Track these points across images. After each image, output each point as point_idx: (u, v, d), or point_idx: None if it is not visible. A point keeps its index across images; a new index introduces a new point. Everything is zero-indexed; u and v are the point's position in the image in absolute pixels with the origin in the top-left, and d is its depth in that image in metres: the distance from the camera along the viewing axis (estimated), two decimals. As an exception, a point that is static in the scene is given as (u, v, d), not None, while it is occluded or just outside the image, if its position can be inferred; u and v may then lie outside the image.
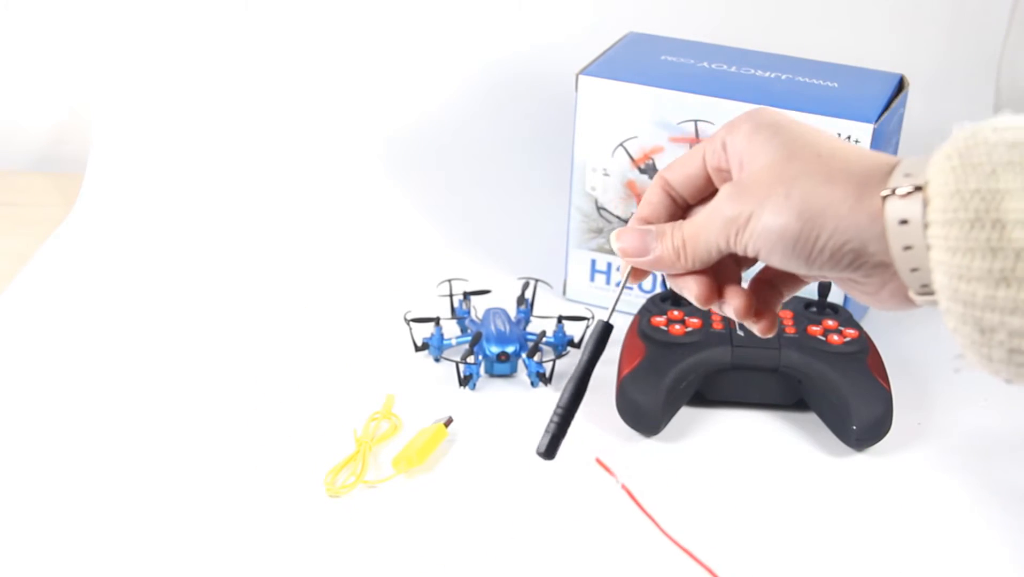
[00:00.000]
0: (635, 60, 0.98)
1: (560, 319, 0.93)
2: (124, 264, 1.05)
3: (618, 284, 0.55)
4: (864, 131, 0.88)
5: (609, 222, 0.98)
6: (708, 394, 0.87)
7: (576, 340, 0.93)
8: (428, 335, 0.93)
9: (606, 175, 0.97)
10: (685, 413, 0.86)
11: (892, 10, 1.21)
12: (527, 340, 0.91)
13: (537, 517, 0.76)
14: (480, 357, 0.89)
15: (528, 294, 0.97)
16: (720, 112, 0.91)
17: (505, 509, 0.77)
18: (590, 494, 0.78)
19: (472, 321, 0.94)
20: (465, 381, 0.89)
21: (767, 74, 0.96)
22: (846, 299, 0.94)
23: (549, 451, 0.60)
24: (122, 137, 1.19)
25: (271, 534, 0.74)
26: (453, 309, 0.96)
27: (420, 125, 1.22)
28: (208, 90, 1.21)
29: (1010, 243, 0.42)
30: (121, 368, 0.90)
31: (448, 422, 0.83)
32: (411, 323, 0.93)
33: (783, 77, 0.95)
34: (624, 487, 0.78)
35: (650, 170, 0.95)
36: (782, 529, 0.76)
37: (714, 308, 0.55)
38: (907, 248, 0.46)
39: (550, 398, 0.88)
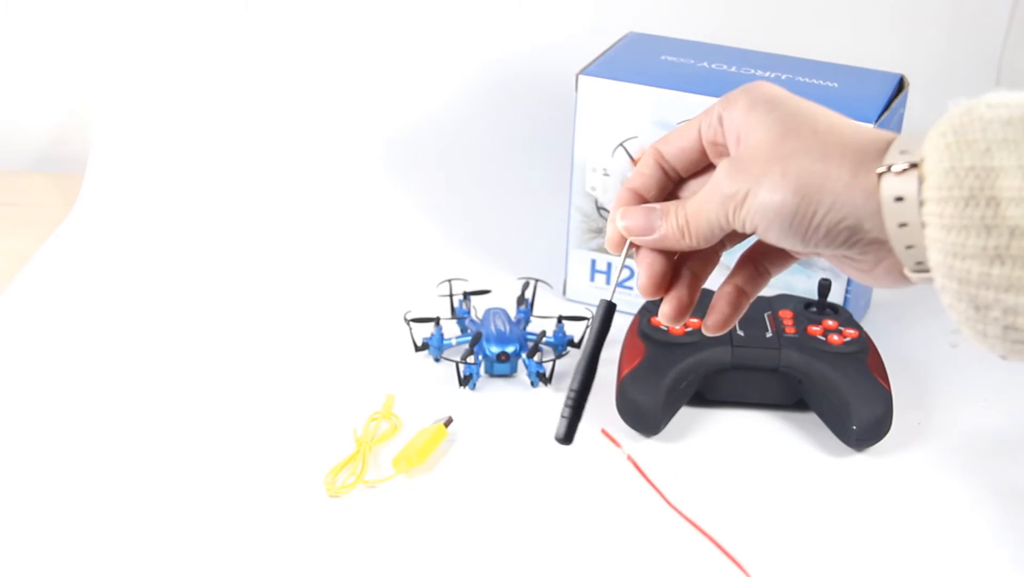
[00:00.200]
0: (635, 60, 0.98)
1: (560, 319, 0.93)
2: (124, 264, 1.05)
3: (622, 261, 0.55)
4: (864, 131, 0.88)
5: (609, 222, 0.98)
6: (708, 394, 0.87)
7: (576, 340, 0.93)
8: (428, 335, 0.93)
9: (606, 175, 0.97)
10: (685, 413, 0.86)
11: (892, 10, 1.21)
12: (527, 340, 0.91)
13: (537, 517, 0.76)
14: (480, 357, 0.89)
15: (528, 294, 0.97)
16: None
17: (505, 509, 0.77)
18: (590, 494, 0.78)
19: (472, 321, 0.94)
20: (465, 381, 0.89)
21: (767, 74, 0.96)
22: (846, 299, 0.94)
23: (567, 436, 0.59)
24: (122, 137, 1.19)
25: (271, 534, 0.74)
26: (453, 309, 0.96)
27: (420, 125, 1.22)
28: (208, 90, 1.21)
29: (1004, 221, 0.43)
30: (121, 368, 0.90)
31: (448, 422, 0.83)
32: (411, 323, 0.93)
33: (783, 77, 0.95)
34: (630, 458, 0.77)
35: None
36: (782, 529, 0.76)
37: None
38: (902, 225, 0.46)
39: (550, 398, 0.88)
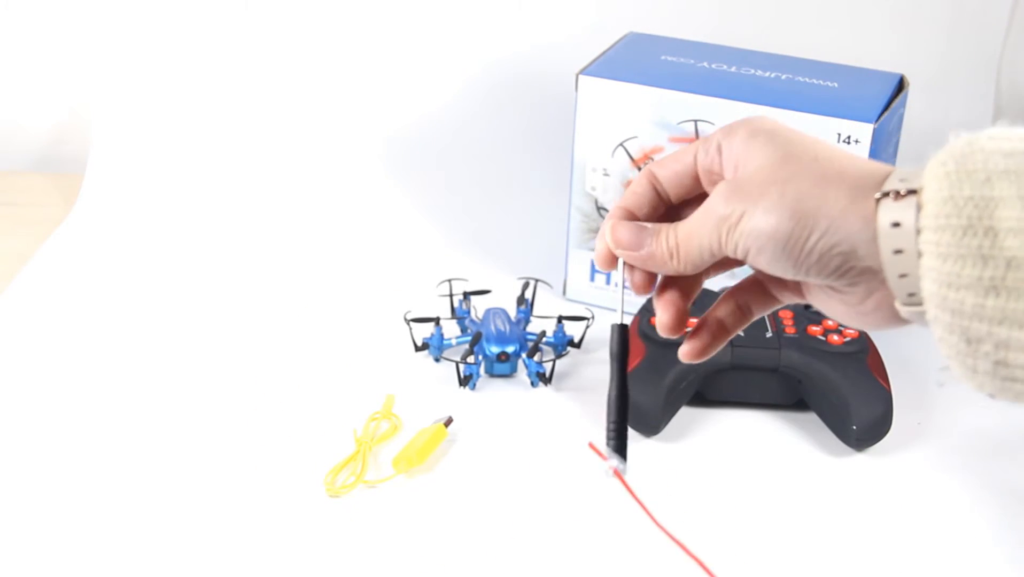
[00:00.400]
0: (635, 60, 0.98)
1: (560, 319, 0.93)
2: (124, 264, 1.05)
3: (618, 284, 0.55)
4: (864, 131, 0.88)
5: (609, 222, 0.98)
6: (708, 394, 0.87)
7: (576, 340, 0.93)
8: (428, 335, 0.93)
9: (606, 175, 0.97)
10: (685, 413, 0.86)
11: (892, 10, 1.21)
12: (527, 340, 0.91)
13: (537, 517, 0.76)
14: (480, 357, 0.89)
15: (528, 294, 0.97)
16: (720, 112, 0.91)
17: (505, 509, 0.77)
18: (590, 494, 0.78)
19: (472, 321, 0.94)
20: (465, 381, 0.89)
21: (767, 74, 0.96)
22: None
23: (620, 449, 0.59)
24: (122, 137, 1.19)
25: (271, 534, 0.74)
26: (453, 309, 0.96)
27: (420, 125, 1.22)
28: (208, 90, 1.21)
29: (1001, 251, 0.42)
30: (121, 368, 0.90)
31: (448, 422, 0.83)
32: (411, 323, 0.93)
33: (783, 77, 0.95)
34: (615, 471, 0.77)
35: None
36: (782, 529, 0.76)
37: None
38: (897, 252, 0.45)
39: (550, 398, 0.89)
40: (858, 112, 0.89)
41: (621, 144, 0.95)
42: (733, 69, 0.96)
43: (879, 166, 0.49)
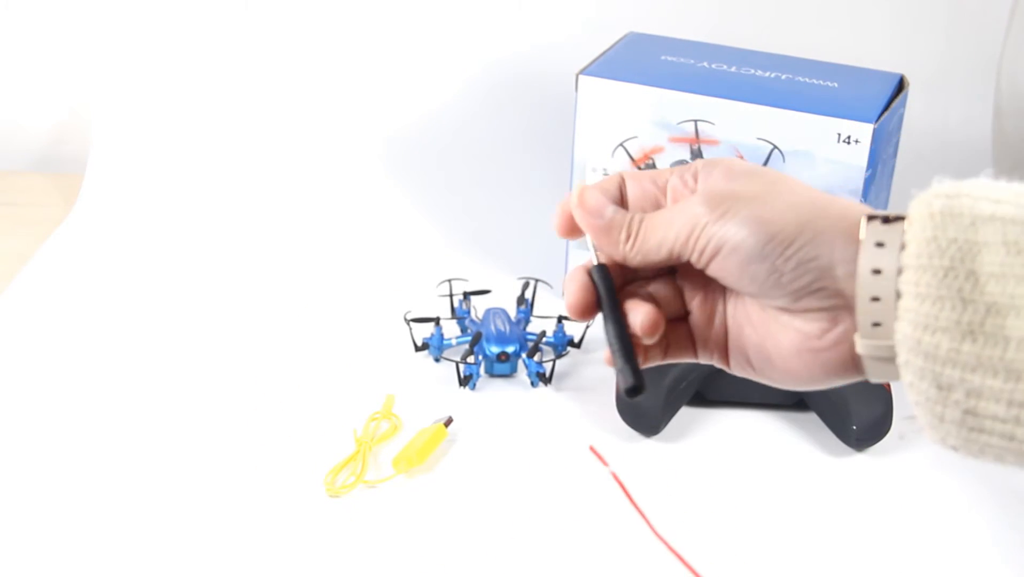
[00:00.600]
0: (635, 60, 0.98)
1: (560, 319, 0.93)
2: (124, 264, 1.05)
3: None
4: (864, 131, 0.88)
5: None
6: (708, 394, 0.87)
7: (576, 340, 0.93)
8: (428, 335, 0.93)
9: (606, 175, 0.97)
10: (685, 413, 0.86)
11: (892, 10, 1.21)
12: (527, 340, 0.91)
13: (537, 517, 0.76)
14: (480, 357, 0.89)
15: (528, 294, 0.97)
16: (720, 112, 0.91)
17: (505, 509, 0.77)
18: (590, 494, 0.78)
19: (472, 321, 0.94)
20: (465, 381, 0.89)
21: (767, 74, 0.96)
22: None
23: (637, 382, 0.50)
24: (122, 137, 1.19)
25: (271, 534, 0.74)
26: (453, 309, 0.96)
27: (420, 125, 1.22)
28: (208, 90, 1.21)
29: (982, 296, 0.42)
30: (121, 368, 0.90)
31: (448, 422, 0.83)
32: (411, 323, 0.93)
33: (783, 77, 0.95)
34: (614, 475, 0.78)
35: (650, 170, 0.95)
36: (782, 529, 0.76)
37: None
38: (876, 272, 0.45)
39: (550, 398, 0.89)
40: (858, 112, 0.89)
41: (621, 144, 0.95)
42: (733, 69, 0.96)
43: (862, 206, 0.48)
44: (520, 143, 1.21)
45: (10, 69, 1.25)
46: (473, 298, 0.97)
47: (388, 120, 1.22)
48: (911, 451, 0.83)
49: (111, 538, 0.73)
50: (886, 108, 0.91)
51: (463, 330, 0.94)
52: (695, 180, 0.52)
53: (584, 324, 0.95)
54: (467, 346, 0.90)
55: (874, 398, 0.82)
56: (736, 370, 0.52)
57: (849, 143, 0.89)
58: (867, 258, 0.45)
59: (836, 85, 0.94)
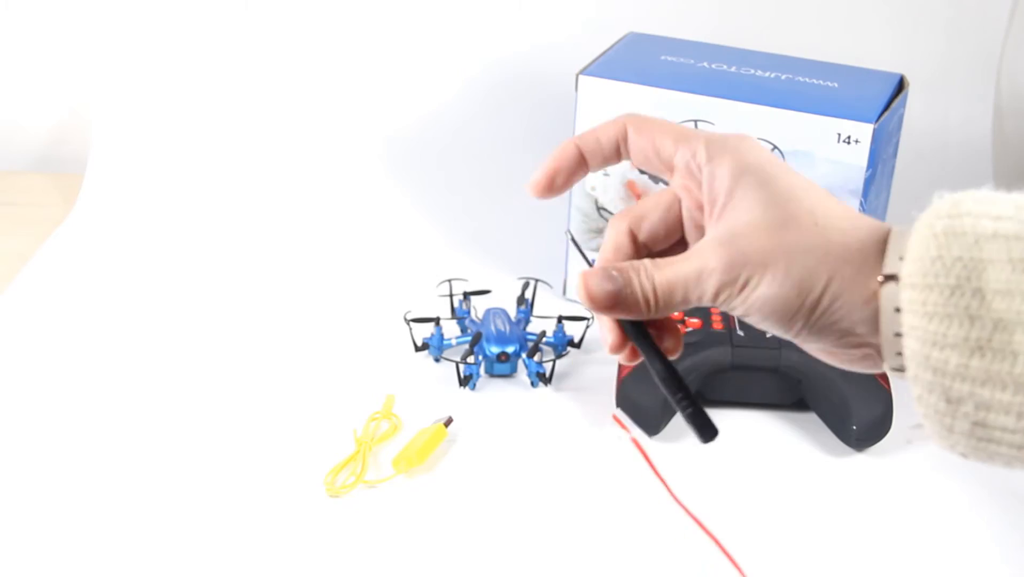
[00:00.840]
0: (635, 60, 0.98)
1: (560, 319, 0.93)
2: (124, 264, 1.05)
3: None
4: (864, 131, 0.88)
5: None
6: (708, 394, 0.87)
7: (576, 340, 0.93)
8: (428, 335, 0.93)
9: (606, 175, 0.97)
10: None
11: (892, 10, 1.21)
12: (527, 340, 0.91)
13: (537, 517, 0.76)
14: (480, 357, 0.89)
15: (528, 294, 0.97)
16: (720, 112, 0.91)
17: (505, 509, 0.77)
18: (590, 494, 0.78)
19: (472, 321, 0.94)
20: (465, 381, 0.89)
21: (767, 74, 0.96)
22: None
23: (709, 429, 0.53)
24: (122, 137, 1.19)
25: (271, 534, 0.74)
26: (453, 309, 0.96)
27: (420, 125, 1.22)
28: (208, 90, 1.21)
29: (989, 312, 0.42)
30: (121, 368, 0.90)
31: (448, 422, 0.83)
32: (411, 323, 0.93)
33: (783, 77, 0.95)
34: (634, 441, 0.78)
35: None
36: (782, 529, 0.76)
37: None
38: (898, 335, 0.46)
39: (550, 398, 0.89)
40: (858, 112, 0.89)
41: (621, 144, 0.95)
42: (733, 69, 0.96)
43: (876, 229, 0.48)
44: (520, 143, 1.21)
45: (10, 69, 1.25)
46: (473, 298, 0.97)
47: (388, 120, 1.22)
48: (911, 451, 0.83)
49: (111, 538, 0.73)
50: (886, 108, 0.91)
51: (463, 330, 0.94)
52: (699, 171, 0.51)
53: (585, 324, 0.95)
54: (467, 346, 0.90)
55: (874, 398, 0.82)
56: None
57: (849, 143, 0.89)
58: (888, 324, 0.46)
59: (836, 85, 0.94)
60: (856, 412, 0.82)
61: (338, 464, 0.79)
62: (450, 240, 1.11)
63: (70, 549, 0.72)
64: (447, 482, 0.79)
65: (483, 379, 0.90)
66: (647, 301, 0.51)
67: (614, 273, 0.51)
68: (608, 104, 0.94)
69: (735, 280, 0.49)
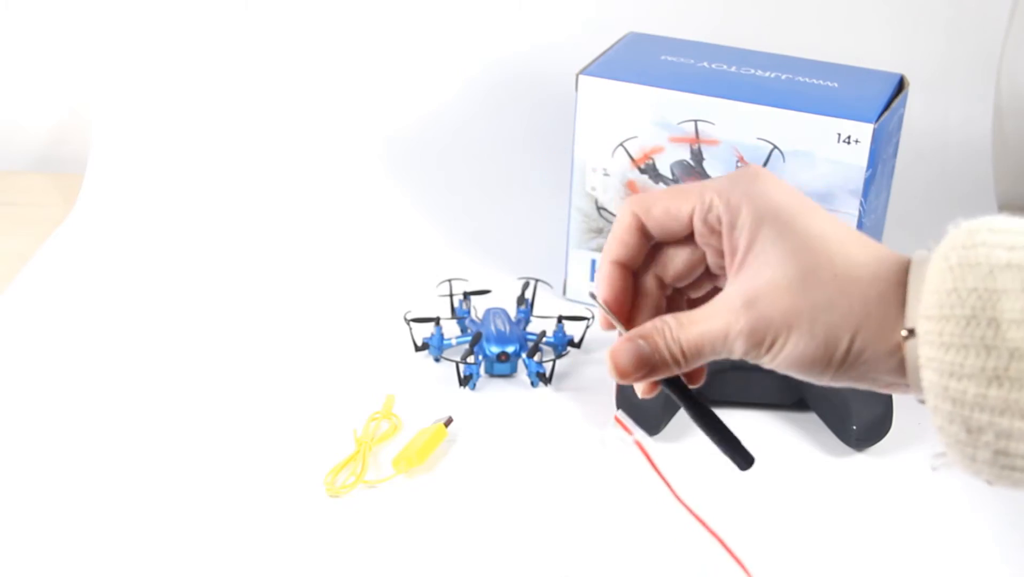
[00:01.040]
0: (635, 60, 0.98)
1: (560, 319, 0.93)
2: (124, 264, 1.05)
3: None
4: (864, 131, 0.88)
5: (609, 222, 0.98)
6: (708, 394, 0.86)
7: (576, 340, 0.93)
8: (428, 335, 0.93)
9: (606, 175, 0.97)
10: (685, 413, 0.86)
11: (892, 10, 1.21)
12: (527, 340, 0.91)
13: (537, 517, 0.76)
14: (480, 357, 0.89)
15: (528, 294, 0.97)
16: (720, 112, 0.91)
17: (505, 509, 0.77)
18: (590, 494, 0.78)
19: (472, 321, 0.94)
20: (465, 381, 0.89)
21: (767, 74, 0.96)
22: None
23: (746, 457, 0.58)
24: (122, 137, 1.19)
25: (271, 534, 0.74)
26: (453, 309, 0.96)
27: (420, 125, 1.22)
28: (208, 90, 1.21)
29: (1005, 342, 0.43)
30: (122, 368, 0.90)
31: (448, 422, 0.83)
32: (411, 323, 0.93)
33: (783, 77, 0.95)
34: (638, 443, 0.78)
35: (650, 170, 0.95)
36: (782, 528, 0.76)
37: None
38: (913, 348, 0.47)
39: (550, 398, 0.89)
40: (858, 112, 0.89)
41: (621, 144, 0.95)
42: (733, 69, 0.96)
43: (896, 267, 0.48)
44: (520, 143, 1.21)
45: (10, 69, 1.25)
46: (473, 298, 0.97)
47: (388, 120, 1.22)
48: (911, 451, 0.83)
49: (112, 537, 0.73)
50: (886, 108, 0.91)
51: (463, 330, 0.94)
52: (718, 221, 0.52)
53: (584, 324, 0.95)
54: (467, 346, 0.90)
55: (874, 398, 0.82)
56: None
57: (849, 143, 0.89)
58: (915, 373, 0.46)
59: (836, 85, 0.94)
60: (856, 412, 0.82)
61: (338, 464, 0.79)
62: (450, 240, 1.11)
63: (70, 549, 0.72)
64: (447, 482, 0.79)
65: (483, 379, 0.90)
66: (676, 361, 0.52)
67: (640, 342, 0.52)
68: (608, 104, 0.94)
69: (761, 343, 0.50)
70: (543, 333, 0.91)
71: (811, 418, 0.86)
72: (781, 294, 0.49)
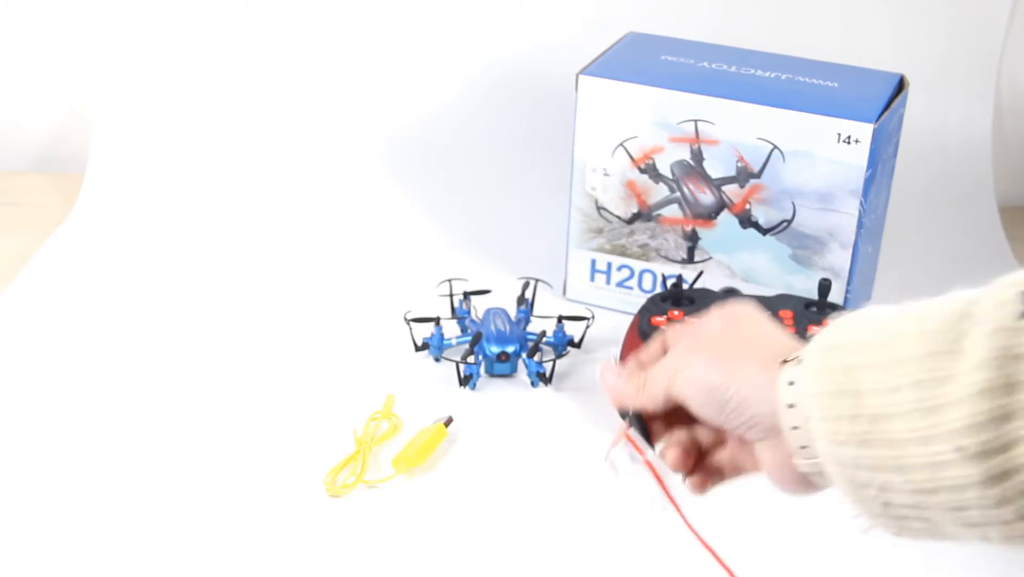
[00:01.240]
0: (635, 60, 0.98)
1: (560, 319, 0.93)
2: (124, 264, 1.05)
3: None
4: (864, 131, 0.88)
5: (609, 222, 0.98)
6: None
7: (576, 340, 0.93)
8: (428, 335, 0.93)
9: (606, 175, 0.97)
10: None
11: (892, 10, 1.21)
12: (527, 340, 0.91)
13: (537, 517, 0.76)
14: (480, 357, 0.89)
15: (528, 294, 0.97)
16: (720, 112, 0.91)
17: (505, 509, 0.77)
18: (590, 494, 0.78)
19: (472, 321, 0.94)
20: (465, 381, 0.89)
21: (767, 74, 0.96)
22: (846, 299, 0.94)
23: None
24: (122, 137, 1.19)
25: (271, 534, 0.74)
26: (453, 309, 0.96)
27: (420, 125, 1.22)
28: (208, 90, 1.21)
29: (865, 409, 0.48)
30: (122, 368, 0.90)
31: (448, 422, 0.83)
32: (411, 323, 0.93)
33: (783, 77, 0.95)
34: (648, 463, 0.78)
35: (650, 170, 0.95)
36: (782, 529, 0.76)
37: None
38: (790, 406, 0.52)
39: (550, 398, 0.89)
40: (858, 112, 0.89)
41: (621, 144, 0.95)
42: (733, 69, 0.96)
43: (793, 344, 0.55)
44: (520, 143, 1.21)
45: (10, 69, 1.25)
46: (473, 298, 0.97)
47: (388, 120, 1.22)
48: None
49: (112, 537, 0.73)
50: (886, 108, 0.91)
51: (463, 330, 0.94)
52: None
53: (584, 324, 0.95)
54: (467, 346, 0.90)
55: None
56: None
57: (849, 143, 0.89)
58: (783, 396, 0.52)
59: (836, 85, 0.94)
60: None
61: (338, 464, 0.79)
62: (450, 240, 1.11)
63: (71, 548, 0.72)
64: (447, 482, 0.79)
65: (483, 379, 0.90)
66: (638, 387, 0.61)
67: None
68: (608, 104, 0.94)
69: (679, 364, 0.58)
70: (543, 333, 0.91)
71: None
72: (704, 341, 0.58)
